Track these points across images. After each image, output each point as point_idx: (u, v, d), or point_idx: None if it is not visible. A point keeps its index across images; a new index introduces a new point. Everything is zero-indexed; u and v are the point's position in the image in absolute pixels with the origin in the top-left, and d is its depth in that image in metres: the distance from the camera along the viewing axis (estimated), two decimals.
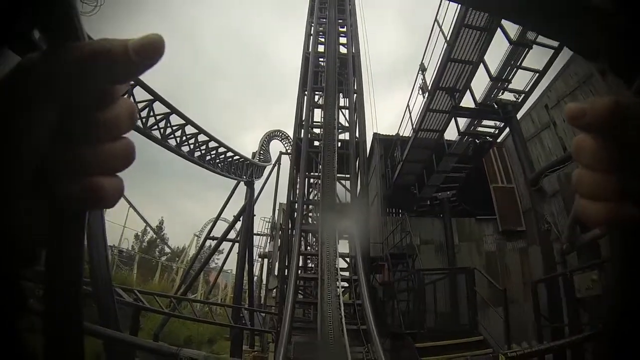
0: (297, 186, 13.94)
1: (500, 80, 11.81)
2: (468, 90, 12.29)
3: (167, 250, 48.06)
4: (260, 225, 33.23)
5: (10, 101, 0.37)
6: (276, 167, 30.66)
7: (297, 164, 14.01)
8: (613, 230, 0.45)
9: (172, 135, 14.61)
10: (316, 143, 14.97)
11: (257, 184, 30.77)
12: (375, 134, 18.46)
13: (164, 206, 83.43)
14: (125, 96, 0.43)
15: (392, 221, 17.05)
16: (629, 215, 0.41)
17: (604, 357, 0.50)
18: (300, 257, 14.12)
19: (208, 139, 16.63)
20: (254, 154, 25.24)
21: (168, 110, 14.03)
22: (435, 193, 16.96)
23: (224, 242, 21.33)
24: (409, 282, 13.04)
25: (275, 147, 32.46)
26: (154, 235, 46.20)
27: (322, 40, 17.94)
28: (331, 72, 15.45)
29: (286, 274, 12.29)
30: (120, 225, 38.74)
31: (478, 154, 14.50)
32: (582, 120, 0.41)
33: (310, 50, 17.20)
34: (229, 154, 18.88)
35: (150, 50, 0.38)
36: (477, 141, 14.12)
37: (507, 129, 13.30)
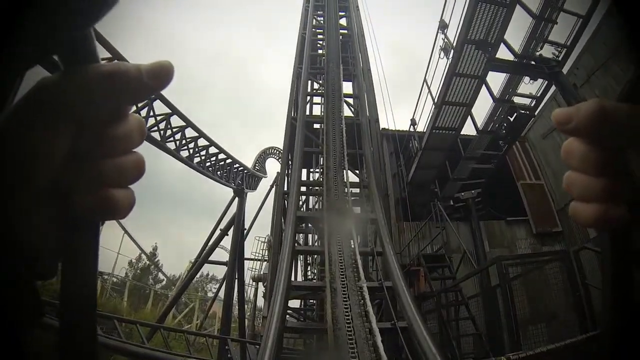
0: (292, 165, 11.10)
1: (543, 20, 9.54)
2: (502, 44, 9.93)
3: (161, 277, 45.29)
4: (254, 245, 30.86)
5: (30, 117, 0.39)
6: (273, 189, 27.91)
7: (292, 142, 11.31)
8: (603, 231, 0.45)
9: (172, 138, 13.74)
10: (316, 126, 12.49)
11: (253, 205, 28.56)
12: (383, 129, 15.93)
13: (159, 234, 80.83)
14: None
15: (409, 228, 14.16)
16: (618, 216, 0.42)
17: (602, 357, 0.48)
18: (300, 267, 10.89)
19: (198, 135, 14.92)
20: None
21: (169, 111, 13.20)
22: (458, 193, 14.29)
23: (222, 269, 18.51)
24: (457, 293, 9.79)
25: (272, 168, 30.17)
26: (148, 262, 43.42)
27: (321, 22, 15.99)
28: (332, 39, 13.17)
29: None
30: (114, 252, 35.81)
31: (513, 133, 11.94)
32: (569, 125, 0.42)
33: (306, 29, 14.97)
34: (220, 155, 16.50)
35: (161, 75, 0.42)
36: (511, 118, 11.64)
37: (541, 106, 11.18)
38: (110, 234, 34.86)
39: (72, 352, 0.41)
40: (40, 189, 0.39)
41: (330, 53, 13.40)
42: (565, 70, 10.17)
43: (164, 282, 44.43)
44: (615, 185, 0.42)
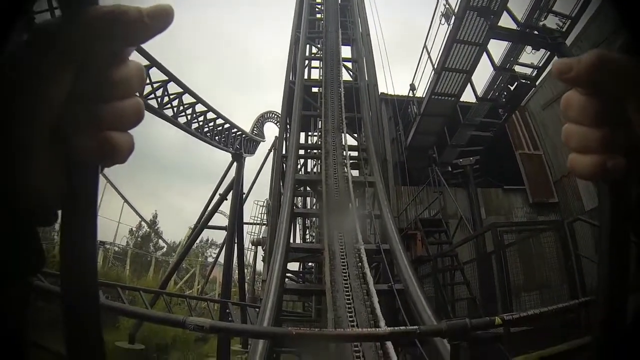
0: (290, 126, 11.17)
1: None
2: (505, 12, 9.73)
3: (162, 244, 45.58)
4: (253, 210, 31.07)
5: (29, 61, 0.39)
6: (272, 153, 27.77)
7: (290, 106, 11.30)
8: (601, 182, 0.45)
9: (169, 105, 13.51)
10: (315, 90, 12.42)
11: (252, 169, 28.53)
12: (382, 94, 15.76)
13: (158, 201, 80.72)
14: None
15: (407, 192, 14.26)
16: (615, 166, 0.42)
17: (597, 314, 0.46)
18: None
19: (196, 101, 14.64)
20: None
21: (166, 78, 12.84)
22: (456, 159, 14.33)
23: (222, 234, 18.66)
24: (452, 258, 9.98)
25: (270, 132, 29.86)
26: (148, 230, 43.65)
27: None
28: (331, 3, 12.94)
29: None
30: (115, 221, 35.89)
31: (513, 102, 11.87)
32: (569, 74, 0.42)
33: None
34: (218, 121, 16.36)
35: (162, 16, 0.41)
36: (511, 87, 11.54)
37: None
38: (110, 204, 34.97)
39: (75, 292, 0.41)
40: (41, 133, 0.40)
41: (329, 17, 13.19)
42: (568, 42, 10.02)
43: (165, 249, 44.82)
44: (613, 136, 0.42)
